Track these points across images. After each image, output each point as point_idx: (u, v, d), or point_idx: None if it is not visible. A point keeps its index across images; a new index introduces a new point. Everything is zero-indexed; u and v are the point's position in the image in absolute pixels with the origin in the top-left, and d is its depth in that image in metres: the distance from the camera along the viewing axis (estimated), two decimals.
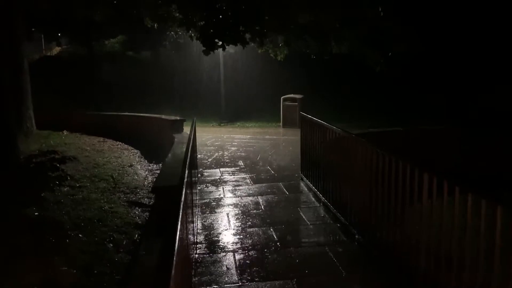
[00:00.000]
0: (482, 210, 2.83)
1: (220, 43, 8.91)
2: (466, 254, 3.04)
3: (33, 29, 14.74)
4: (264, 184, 7.40)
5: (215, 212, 6.00)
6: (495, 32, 13.75)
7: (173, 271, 1.87)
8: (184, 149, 5.81)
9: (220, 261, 4.44)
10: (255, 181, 7.65)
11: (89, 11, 12.28)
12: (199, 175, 8.04)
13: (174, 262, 1.95)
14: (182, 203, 2.72)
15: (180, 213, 2.54)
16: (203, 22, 8.77)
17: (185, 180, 3.30)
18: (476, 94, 14.86)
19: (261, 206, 6.22)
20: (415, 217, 3.71)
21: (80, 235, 5.25)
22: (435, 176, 3.33)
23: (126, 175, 7.99)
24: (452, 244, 3.18)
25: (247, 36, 9.15)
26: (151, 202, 6.52)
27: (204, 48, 8.84)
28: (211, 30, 8.61)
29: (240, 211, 6.00)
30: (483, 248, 2.86)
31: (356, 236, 4.87)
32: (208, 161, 9.42)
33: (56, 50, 26.42)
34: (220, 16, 8.61)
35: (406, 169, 3.75)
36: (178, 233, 2.23)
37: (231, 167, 8.78)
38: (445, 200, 3.22)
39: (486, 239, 2.83)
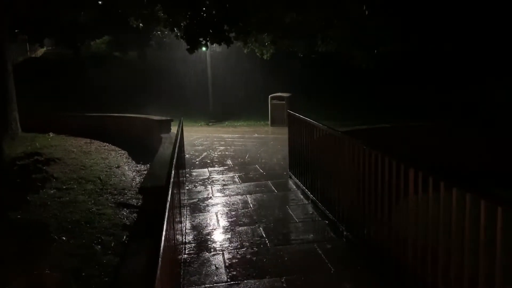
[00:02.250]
0: (467, 204, 2.86)
1: (204, 41, 8.91)
2: (452, 249, 3.07)
3: (17, 31, 14.55)
4: (252, 183, 7.39)
5: (204, 212, 5.98)
6: (479, 31, 13.91)
7: (158, 272, 1.86)
8: (171, 149, 5.79)
9: (209, 261, 4.43)
10: (243, 180, 7.64)
11: (74, 12, 12.17)
12: (188, 174, 8.02)
13: (159, 263, 1.94)
14: (168, 203, 2.70)
15: (166, 214, 2.52)
16: (188, 21, 8.75)
17: (172, 180, 3.29)
18: (461, 91, 15.04)
19: (249, 204, 6.22)
20: (402, 213, 3.73)
21: (68, 238, 5.20)
22: (420, 172, 3.36)
23: (113, 176, 7.94)
24: (439, 239, 3.21)
25: (232, 35, 9.15)
26: (139, 203, 6.48)
27: (188, 47, 8.83)
28: (195, 29, 8.60)
29: (229, 210, 6.00)
30: (468, 243, 2.89)
31: (344, 233, 4.89)
32: (197, 161, 9.40)
33: (41, 51, 26.15)
34: (204, 15, 8.60)
35: (392, 165, 3.77)
36: (163, 233, 2.22)
37: (220, 166, 8.77)
38: (431, 195, 3.25)
39: (471, 233, 2.86)
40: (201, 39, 8.67)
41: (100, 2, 12.36)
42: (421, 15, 11.64)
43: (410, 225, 3.62)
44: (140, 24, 10.58)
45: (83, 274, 4.55)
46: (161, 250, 2.03)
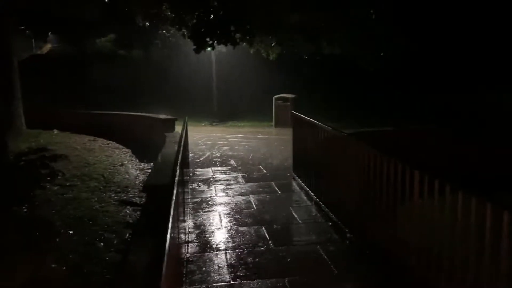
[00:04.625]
0: (472, 208, 2.85)
1: (211, 42, 8.93)
2: (457, 252, 3.05)
3: (22, 27, 14.59)
4: (256, 183, 7.39)
5: (207, 211, 5.98)
6: (485, 34, 13.89)
7: (164, 270, 1.86)
8: (176, 148, 5.79)
9: (211, 260, 4.42)
10: (247, 180, 7.64)
11: (80, 10, 12.19)
12: (191, 174, 8.02)
13: (165, 261, 1.94)
14: (173, 202, 2.70)
15: (171, 212, 2.52)
16: (195, 21, 8.77)
17: (177, 178, 3.28)
18: (466, 96, 15.00)
19: (253, 205, 6.22)
20: (406, 215, 3.72)
21: (70, 234, 5.21)
22: (426, 175, 3.35)
23: (117, 174, 7.96)
24: (443, 242, 3.20)
25: (238, 35, 9.18)
26: (142, 201, 6.48)
27: (195, 47, 8.86)
28: (202, 29, 8.62)
29: (232, 210, 5.99)
30: (473, 247, 2.88)
31: (348, 235, 4.88)
32: (200, 160, 9.40)
33: (47, 48, 26.21)
34: (212, 16, 8.62)
35: (397, 168, 3.76)
36: (169, 231, 2.22)
37: (223, 166, 8.76)
38: (436, 199, 3.24)
39: (476, 237, 2.85)
40: (208, 39, 8.70)
41: (106, 0, 12.38)
42: (426, 17, 11.62)
43: (414, 228, 3.61)
44: (147, 23, 10.62)
45: (85, 270, 4.55)
46: (167, 248, 2.03)
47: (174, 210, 2.66)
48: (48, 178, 6.61)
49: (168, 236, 2.16)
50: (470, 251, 2.91)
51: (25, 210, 5.52)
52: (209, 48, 9.34)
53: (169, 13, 9.41)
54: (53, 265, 4.42)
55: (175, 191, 2.93)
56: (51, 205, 5.90)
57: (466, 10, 12.09)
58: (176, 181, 3.16)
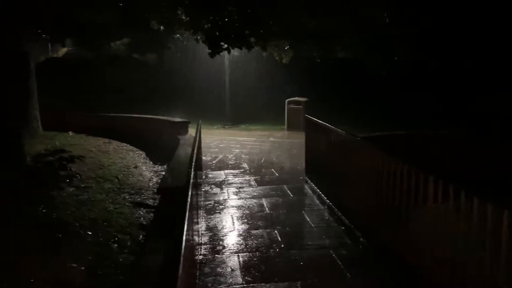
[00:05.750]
0: (488, 214, 2.83)
1: (226, 46, 8.97)
2: (471, 259, 3.03)
3: (39, 31, 14.78)
4: (268, 187, 7.40)
5: (220, 214, 6.01)
6: (496, 38, 13.70)
7: (180, 271, 1.89)
8: (189, 151, 5.84)
9: (224, 262, 4.45)
10: (259, 183, 7.65)
11: (95, 14, 12.32)
12: (204, 176, 8.06)
13: (181, 262, 1.97)
14: (188, 204, 2.73)
15: (187, 214, 2.55)
16: (209, 25, 8.82)
17: (191, 181, 3.32)
18: (478, 100, 14.83)
19: (265, 208, 6.23)
20: (420, 220, 3.70)
21: (85, 235, 5.27)
22: (440, 180, 3.33)
23: (131, 176, 8.03)
24: (457, 248, 3.18)
25: (252, 39, 9.20)
26: (156, 203, 6.54)
27: (210, 51, 8.90)
28: (217, 33, 8.67)
29: (244, 213, 6.01)
30: (488, 254, 2.85)
31: (361, 239, 4.87)
32: (213, 163, 9.44)
33: (63, 51, 26.57)
34: (226, 20, 8.66)
35: (411, 172, 3.75)
36: (184, 233, 2.25)
37: (236, 169, 8.80)
38: (451, 204, 3.22)
39: (492, 244, 2.82)
40: (222, 43, 8.74)
41: (121, 4, 12.51)
42: (439, 22, 11.50)
43: (428, 233, 3.59)
44: (161, 27, 10.69)
45: (99, 272, 4.60)
46: (183, 250, 2.05)
47: (189, 212, 2.69)
48: (68, 180, 6.69)
49: (184, 237, 2.18)
50: (485, 258, 2.89)
51: (42, 211, 5.61)
52: (224, 52, 9.37)
53: (184, 17, 9.48)
54: (69, 266, 4.48)
55: (189, 193, 2.96)
56: (67, 206, 5.97)
57: (485, 12, 11.92)
58: (190, 183, 3.19)
